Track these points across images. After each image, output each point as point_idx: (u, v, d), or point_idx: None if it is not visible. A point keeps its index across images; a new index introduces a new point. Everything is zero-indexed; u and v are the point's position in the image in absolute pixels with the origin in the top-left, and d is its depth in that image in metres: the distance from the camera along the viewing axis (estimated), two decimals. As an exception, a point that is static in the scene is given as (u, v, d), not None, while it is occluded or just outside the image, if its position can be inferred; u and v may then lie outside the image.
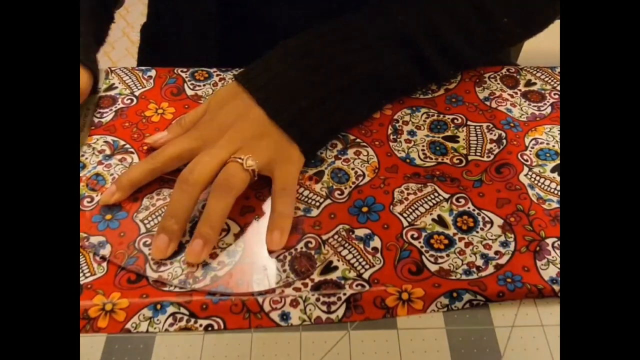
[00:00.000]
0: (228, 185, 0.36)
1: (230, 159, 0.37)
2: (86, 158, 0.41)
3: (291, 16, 0.48)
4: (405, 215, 0.37)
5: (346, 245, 0.36)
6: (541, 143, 0.42)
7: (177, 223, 0.35)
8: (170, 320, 0.32)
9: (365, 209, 0.38)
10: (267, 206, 0.38)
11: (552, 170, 0.40)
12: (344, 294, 0.33)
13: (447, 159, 0.41)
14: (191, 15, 0.51)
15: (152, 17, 0.60)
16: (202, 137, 0.39)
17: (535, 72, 0.49)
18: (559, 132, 0.43)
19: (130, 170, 0.38)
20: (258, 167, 0.37)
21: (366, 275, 0.34)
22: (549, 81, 0.48)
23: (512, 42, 0.52)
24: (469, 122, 0.44)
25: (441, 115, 0.45)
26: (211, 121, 0.39)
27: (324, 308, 0.33)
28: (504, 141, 0.42)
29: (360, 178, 0.40)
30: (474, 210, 0.38)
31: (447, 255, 0.35)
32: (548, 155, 0.41)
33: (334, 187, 0.39)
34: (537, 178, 0.40)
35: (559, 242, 0.36)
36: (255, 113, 0.39)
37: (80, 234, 0.36)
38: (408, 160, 0.41)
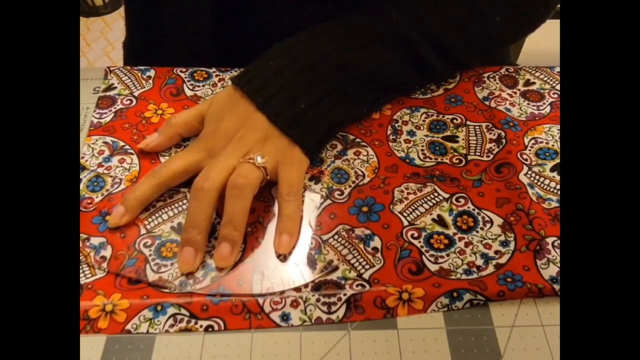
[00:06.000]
0: (243, 183, 0.36)
1: (240, 161, 0.37)
2: (86, 160, 0.41)
3: (288, 16, 0.49)
4: (405, 214, 0.37)
5: (347, 245, 0.36)
6: (540, 142, 0.42)
7: (200, 233, 0.35)
8: (170, 321, 0.32)
9: (365, 209, 0.38)
10: (267, 207, 0.38)
11: (552, 170, 0.40)
12: (344, 294, 0.33)
13: (446, 158, 0.41)
14: (184, 16, 0.50)
15: (133, 33, 0.58)
16: (207, 149, 0.38)
17: (534, 72, 0.49)
18: (558, 131, 0.43)
19: (137, 189, 0.37)
20: (269, 167, 0.37)
21: (366, 275, 0.34)
22: (548, 80, 0.48)
23: (506, 41, 0.52)
24: (468, 122, 0.44)
25: (440, 115, 0.45)
26: (214, 132, 0.39)
27: (325, 308, 0.33)
28: (504, 141, 0.42)
29: (360, 178, 0.40)
30: (473, 209, 0.38)
31: (447, 255, 0.35)
32: (547, 154, 0.41)
33: (334, 187, 0.39)
34: (537, 177, 0.40)
35: (559, 241, 0.36)
36: (257, 118, 0.39)
37: (81, 235, 0.36)
38: (408, 160, 0.41)
